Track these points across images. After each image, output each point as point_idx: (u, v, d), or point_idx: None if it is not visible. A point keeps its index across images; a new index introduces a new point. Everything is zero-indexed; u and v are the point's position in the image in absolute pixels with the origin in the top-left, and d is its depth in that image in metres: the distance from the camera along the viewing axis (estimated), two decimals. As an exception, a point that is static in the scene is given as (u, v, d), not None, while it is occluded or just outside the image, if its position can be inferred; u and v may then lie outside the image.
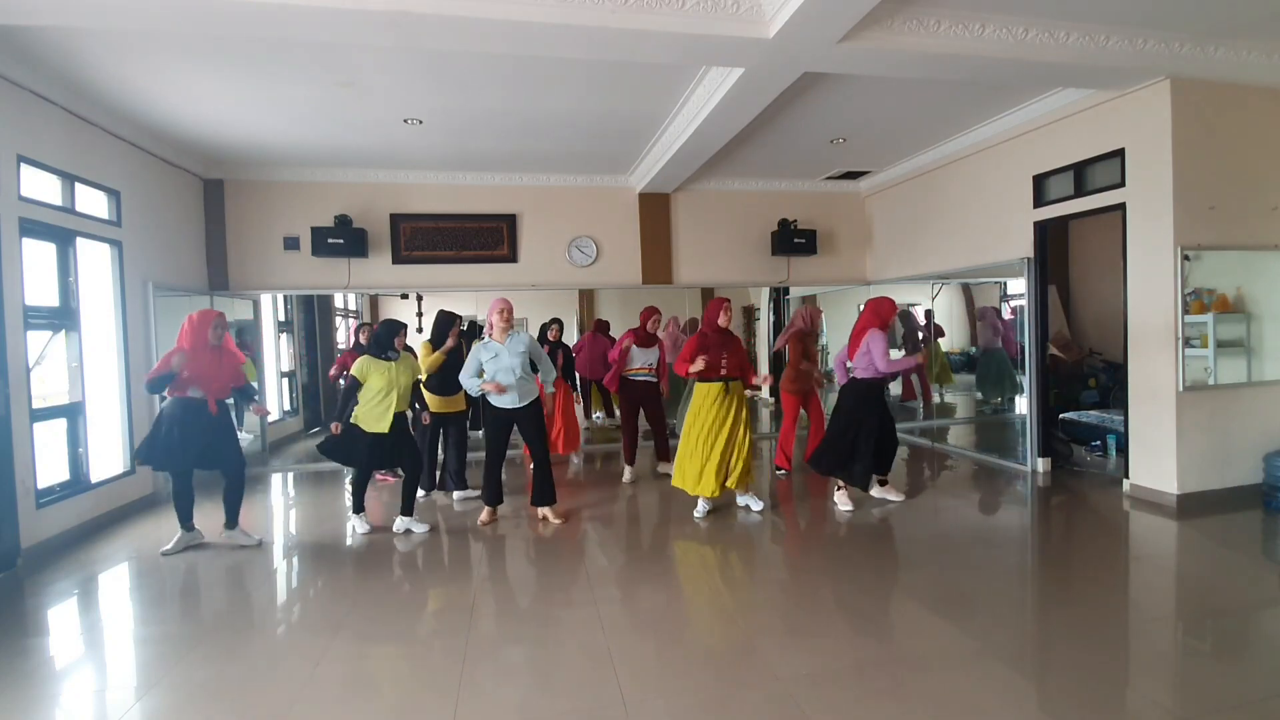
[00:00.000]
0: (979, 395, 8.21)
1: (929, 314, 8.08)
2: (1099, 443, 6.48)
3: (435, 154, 6.58)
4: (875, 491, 5.07)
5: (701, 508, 4.77)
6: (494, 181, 7.32)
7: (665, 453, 6.11)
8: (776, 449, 6.01)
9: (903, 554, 4.11)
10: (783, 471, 5.95)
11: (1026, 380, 5.98)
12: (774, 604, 3.45)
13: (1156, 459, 4.86)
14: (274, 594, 3.77)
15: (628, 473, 5.93)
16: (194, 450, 4.15)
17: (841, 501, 4.88)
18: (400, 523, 4.61)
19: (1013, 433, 7.28)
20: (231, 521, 4.38)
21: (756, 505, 4.86)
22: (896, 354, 6.98)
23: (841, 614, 3.24)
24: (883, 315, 4.69)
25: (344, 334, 9.16)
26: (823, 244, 8.03)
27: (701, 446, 4.65)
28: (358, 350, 5.59)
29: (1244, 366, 4.98)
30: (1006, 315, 7.77)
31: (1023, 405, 6.32)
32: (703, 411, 4.67)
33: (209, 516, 4.62)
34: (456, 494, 5.44)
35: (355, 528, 4.63)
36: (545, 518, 4.76)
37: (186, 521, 4.35)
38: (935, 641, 2.90)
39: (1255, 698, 2.42)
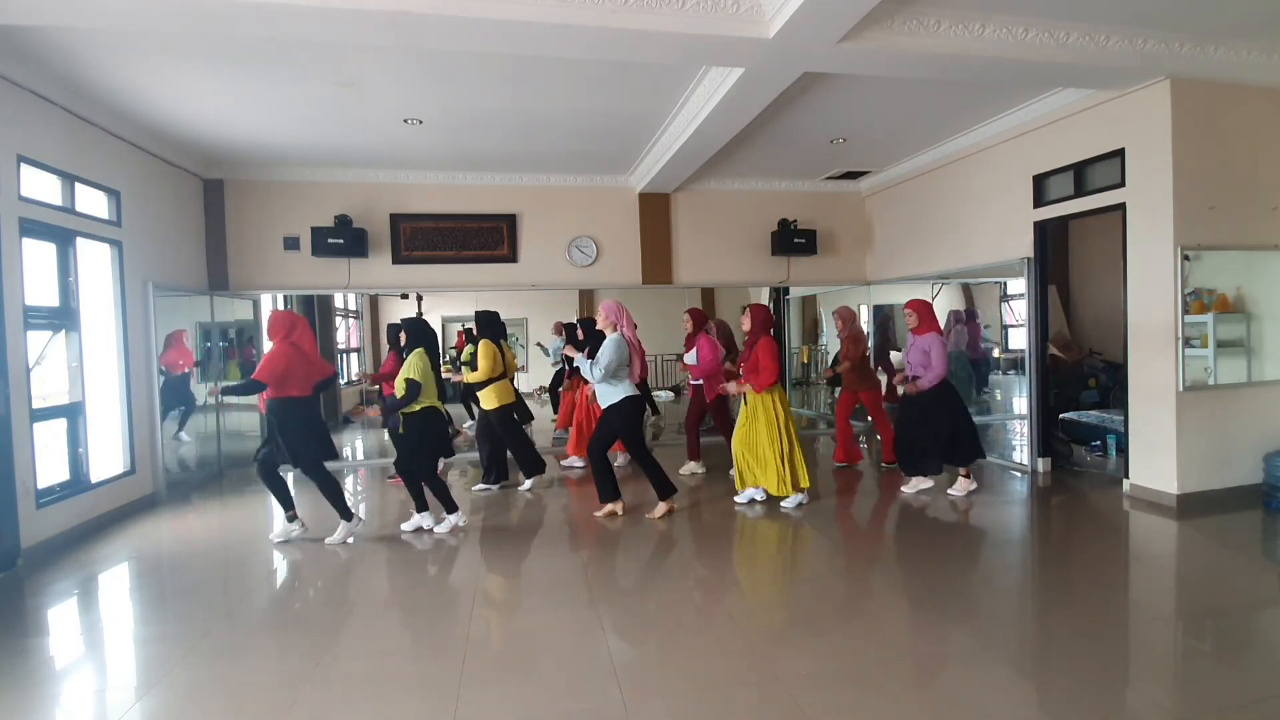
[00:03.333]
0: None
1: None
2: (1099, 443, 6.48)
3: (435, 154, 6.58)
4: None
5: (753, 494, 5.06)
6: (494, 181, 7.32)
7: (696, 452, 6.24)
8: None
9: (902, 554, 4.11)
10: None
11: (1026, 380, 5.97)
12: (774, 604, 3.46)
13: (1156, 459, 4.85)
14: (274, 594, 3.77)
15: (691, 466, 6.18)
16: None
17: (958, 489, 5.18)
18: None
19: (1012, 432, 7.27)
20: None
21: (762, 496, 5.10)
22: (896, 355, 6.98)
23: (841, 614, 3.24)
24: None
25: (344, 334, 9.14)
26: (823, 244, 8.03)
27: (782, 445, 4.87)
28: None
29: (1244, 366, 4.98)
30: (955, 321, 7.74)
31: (1022, 405, 6.32)
32: (782, 412, 4.91)
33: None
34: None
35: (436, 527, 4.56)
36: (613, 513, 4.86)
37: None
38: (935, 641, 2.90)
39: (1255, 698, 2.41)
